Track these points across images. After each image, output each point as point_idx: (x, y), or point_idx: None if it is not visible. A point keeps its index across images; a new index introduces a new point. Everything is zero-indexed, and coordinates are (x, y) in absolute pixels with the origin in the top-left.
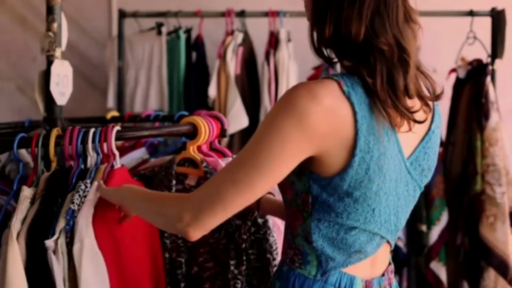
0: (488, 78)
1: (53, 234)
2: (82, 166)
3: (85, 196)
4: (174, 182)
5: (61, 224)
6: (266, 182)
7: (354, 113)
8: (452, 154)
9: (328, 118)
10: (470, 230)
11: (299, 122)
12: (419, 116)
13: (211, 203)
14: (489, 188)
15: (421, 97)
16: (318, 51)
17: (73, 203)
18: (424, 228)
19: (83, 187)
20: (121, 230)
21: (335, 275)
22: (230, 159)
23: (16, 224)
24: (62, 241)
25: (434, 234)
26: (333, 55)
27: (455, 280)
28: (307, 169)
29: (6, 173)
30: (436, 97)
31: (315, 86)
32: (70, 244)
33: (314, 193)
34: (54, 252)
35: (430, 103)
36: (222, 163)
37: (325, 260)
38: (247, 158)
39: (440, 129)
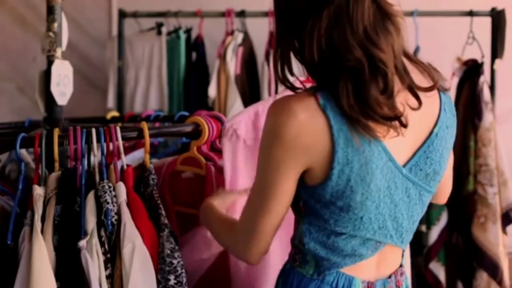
0: (482, 78)
1: (84, 234)
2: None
3: (115, 196)
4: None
5: (91, 224)
6: (278, 202)
7: (330, 127)
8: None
9: (306, 132)
10: (463, 230)
11: (280, 141)
12: (411, 116)
13: (248, 233)
14: (481, 188)
15: (412, 90)
16: (282, 81)
17: (108, 203)
18: (423, 228)
19: (107, 187)
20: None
21: (332, 274)
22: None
23: (38, 222)
24: (96, 241)
25: (434, 234)
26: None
27: (451, 280)
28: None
29: (6, 173)
30: (430, 88)
31: (291, 102)
32: (108, 244)
33: (303, 198)
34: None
35: (434, 97)
36: (211, 166)
37: (320, 260)
38: (256, 186)
39: (453, 128)
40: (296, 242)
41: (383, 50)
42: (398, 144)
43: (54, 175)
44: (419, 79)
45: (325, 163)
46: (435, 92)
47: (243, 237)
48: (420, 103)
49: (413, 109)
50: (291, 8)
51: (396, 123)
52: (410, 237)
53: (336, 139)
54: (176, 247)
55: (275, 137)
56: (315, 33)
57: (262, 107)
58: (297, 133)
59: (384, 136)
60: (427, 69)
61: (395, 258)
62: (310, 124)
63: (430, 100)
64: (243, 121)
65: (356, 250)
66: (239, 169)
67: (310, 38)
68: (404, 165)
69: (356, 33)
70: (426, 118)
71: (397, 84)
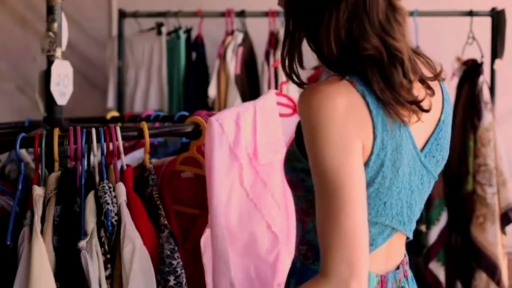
0: (481, 78)
1: (84, 235)
2: (85, 166)
3: (115, 197)
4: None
5: (91, 224)
6: (354, 188)
7: (370, 112)
8: (451, 153)
9: (351, 116)
10: (462, 230)
11: (330, 119)
12: (425, 104)
13: (343, 251)
14: (480, 188)
15: (423, 81)
16: (289, 75)
17: (108, 203)
18: (423, 228)
19: (107, 187)
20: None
21: None
22: None
23: (38, 222)
24: (96, 242)
25: (433, 234)
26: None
27: (450, 280)
28: None
29: (6, 173)
30: (436, 77)
31: (329, 88)
32: (108, 244)
33: None
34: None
35: (437, 87)
36: None
37: None
38: (324, 187)
39: (451, 117)
40: (309, 238)
41: (398, 39)
42: (418, 131)
43: (54, 175)
44: (424, 71)
45: (365, 149)
46: (437, 82)
47: (340, 265)
48: (433, 91)
49: (429, 95)
50: (304, 3)
51: (417, 109)
52: (415, 225)
53: (376, 124)
54: (176, 248)
55: (323, 120)
56: (332, 25)
57: (243, 109)
58: (347, 114)
59: (409, 121)
60: (429, 61)
61: (401, 247)
62: (352, 109)
63: (436, 89)
64: (227, 118)
65: (374, 240)
66: (218, 158)
67: (327, 30)
68: (421, 152)
69: (373, 24)
70: (435, 106)
71: (411, 74)
